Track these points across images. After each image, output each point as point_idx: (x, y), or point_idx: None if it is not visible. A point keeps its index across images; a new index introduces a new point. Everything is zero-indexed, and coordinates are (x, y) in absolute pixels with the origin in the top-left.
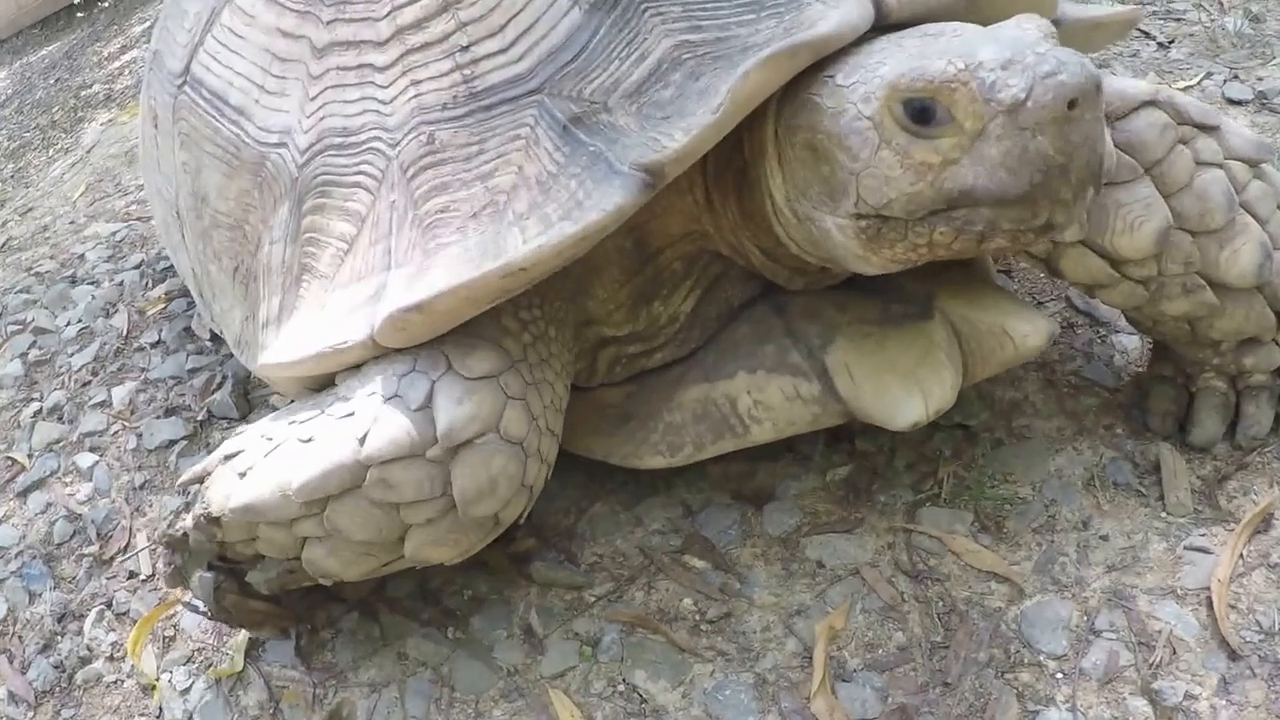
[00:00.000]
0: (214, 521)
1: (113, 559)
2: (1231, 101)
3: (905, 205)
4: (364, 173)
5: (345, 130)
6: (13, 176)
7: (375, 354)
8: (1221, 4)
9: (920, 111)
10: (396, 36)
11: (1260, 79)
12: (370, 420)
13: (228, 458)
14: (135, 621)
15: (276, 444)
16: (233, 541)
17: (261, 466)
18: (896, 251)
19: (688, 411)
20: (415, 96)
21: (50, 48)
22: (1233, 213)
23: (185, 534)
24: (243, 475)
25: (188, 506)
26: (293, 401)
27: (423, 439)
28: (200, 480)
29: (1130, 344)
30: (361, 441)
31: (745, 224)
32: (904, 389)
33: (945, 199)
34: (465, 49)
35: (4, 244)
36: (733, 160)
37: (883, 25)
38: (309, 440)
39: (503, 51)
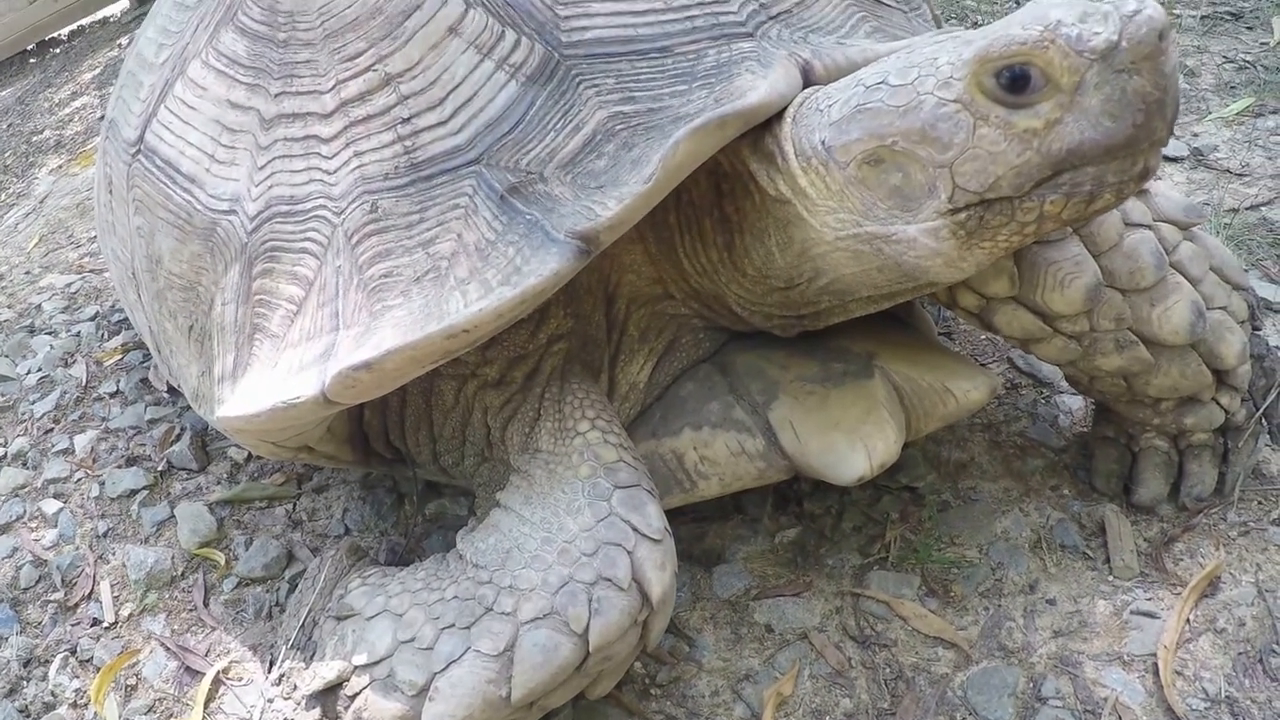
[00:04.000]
0: None
1: (77, 605)
2: (1167, 159)
3: (1014, 180)
4: (310, 239)
5: (292, 199)
6: None
7: (326, 410)
8: None
9: (1014, 80)
10: (341, 109)
11: (1195, 135)
12: (583, 608)
13: (363, 668)
14: (99, 669)
15: (435, 648)
16: None
17: (445, 684)
18: (999, 242)
19: None
20: (359, 167)
21: (3, 93)
22: (1163, 271)
23: None
24: (412, 693)
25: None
26: (356, 569)
27: (638, 610)
28: (332, 688)
29: (1074, 404)
30: (584, 634)
31: (730, 269)
32: (848, 444)
33: (1053, 163)
34: (406, 121)
35: None
36: (719, 208)
37: None
38: (503, 648)
39: (442, 124)
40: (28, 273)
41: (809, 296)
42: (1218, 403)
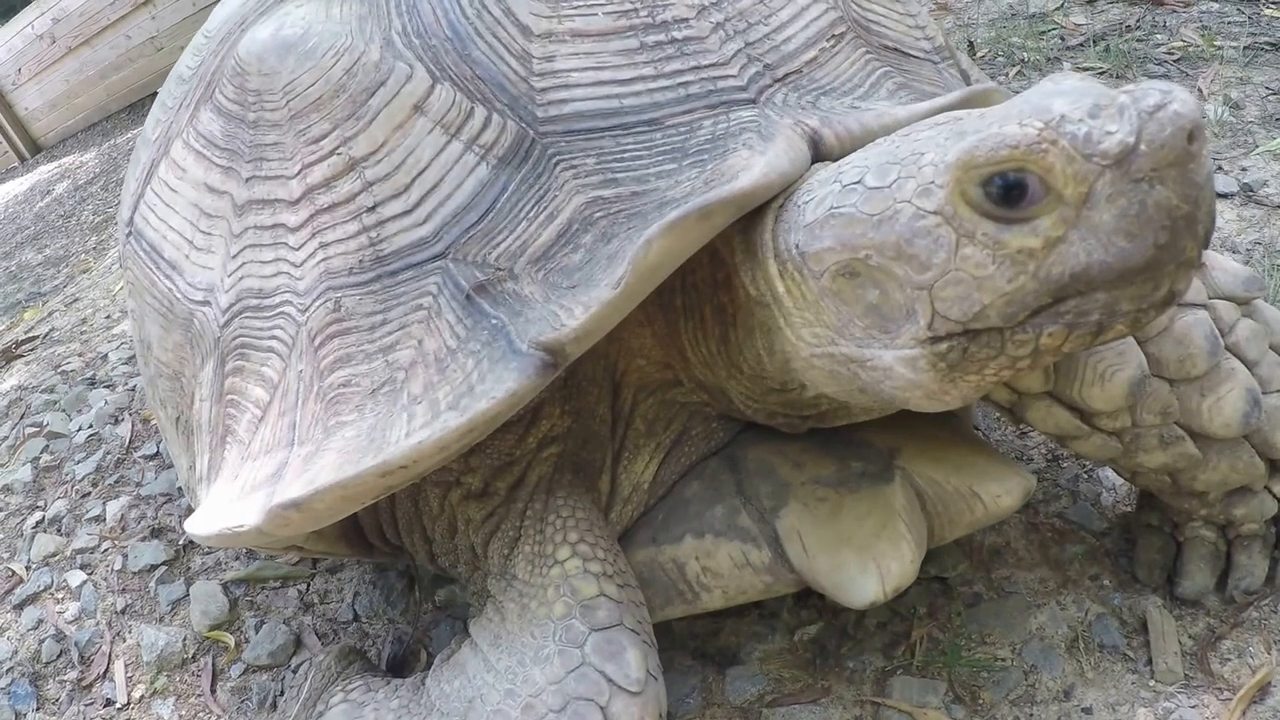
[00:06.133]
0: None
1: (92, 685)
2: (1217, 195)
3: (1004, 309)
4: (276, 338)
5: (261, 292)
6: (94, 248)
7: (270, 538)
8: (1201, 91)
9: (1007, 189)
10: (306, 196)
11: (1244, 169)
12: None
13: None
14: None
15: None
16: None
17: None
18: (985, 375)
19: (636, 574)
20: (324, 260)
21: (134, 131)
22: (1216, 358)
23: None
24: None
25: None
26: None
27: None
28: None
29: (1119, 480)
30: None
31: (727, 365)
32: (859, 566)
33: (1053, 290)
34: (371, 210)
35: (46, 334)
36: (717, 296)
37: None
38: None
39: (407, 213)
40: (108, 316)
41: (806, 400)
42: (1271, 491)
